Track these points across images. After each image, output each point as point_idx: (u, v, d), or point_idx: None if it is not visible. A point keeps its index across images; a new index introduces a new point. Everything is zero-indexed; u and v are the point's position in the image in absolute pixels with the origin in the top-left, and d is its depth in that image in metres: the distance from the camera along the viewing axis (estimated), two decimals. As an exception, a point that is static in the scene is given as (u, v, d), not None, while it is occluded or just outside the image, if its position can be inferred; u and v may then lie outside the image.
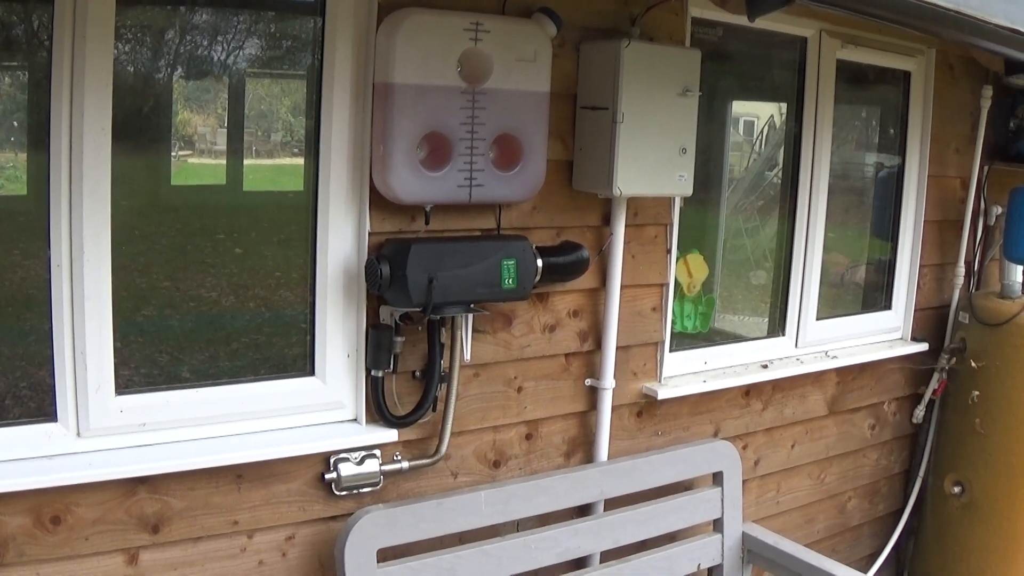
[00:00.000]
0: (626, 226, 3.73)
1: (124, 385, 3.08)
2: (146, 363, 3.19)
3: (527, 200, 3.47)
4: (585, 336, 3.78)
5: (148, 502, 3.06)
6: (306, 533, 3.34)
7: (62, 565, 2.93)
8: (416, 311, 3.22)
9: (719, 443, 4.06)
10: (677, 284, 4.09)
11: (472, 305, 3.33)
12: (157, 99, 3.20)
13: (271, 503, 3.27)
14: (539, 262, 3.41)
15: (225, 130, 3.32)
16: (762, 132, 4.83)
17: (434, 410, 3.46)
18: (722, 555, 4.04)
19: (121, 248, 3.00)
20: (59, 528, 2.91)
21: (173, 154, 3.23)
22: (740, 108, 4.87)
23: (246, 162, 3.39)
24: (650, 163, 3.49)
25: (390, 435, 3.36)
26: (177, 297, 3.28)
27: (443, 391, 3.43)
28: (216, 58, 3.25)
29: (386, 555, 3.32)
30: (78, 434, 2.99)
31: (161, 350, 3.24)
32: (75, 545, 2.94)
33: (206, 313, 3.34)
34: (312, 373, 3.35)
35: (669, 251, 3.93)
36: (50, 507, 2.89)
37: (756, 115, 4.89)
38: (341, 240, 3.28)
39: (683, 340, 4.19)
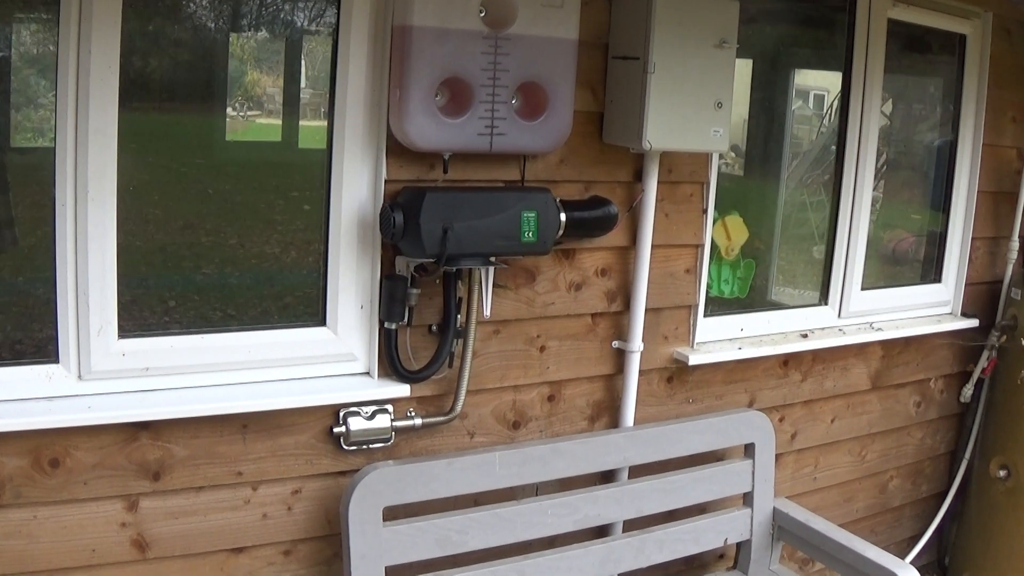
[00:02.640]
0: (659, 183, 3.56)
1: (131, 330, 3.02)
2: (154, 308, 3.12)
3: (552, 151, 3.32)
4: (613, 296, 3.64)
5: (150, 448, 2.99)
6: (313, 488, 3.26)
7: (60, 509, 2.87)
8: (431, 262, 3.09)
9: (752, 413, 3.90)
10: (715, 247, 3.93)
11: (492, 259, 3.21)
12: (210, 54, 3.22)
13: (277, 455, 3.19)
14: (562, 216, 3.27)
15: (281, 88, 3.33)
16: (831, 106, 4.63)
17: (450, 366, 3.34)
18: (751, 530, 3.88)
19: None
20: (58, 471, 2.85)
21: (238, 113, 3.27)
22: (810, 81, 4.72)
23: (303, 122, 3.41)
24: (683, 116, 3.32)
25: (402, 390, 3.25)
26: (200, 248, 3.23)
27: (459, 347, 3.31)
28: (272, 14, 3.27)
29: (395, 513, 3.22)
30: (79, 376, 2.92)
31: (169, 296, 3.17)
32: (73, 489, 2.88)
33: (219, 261, 3.27)
34: (323, 323, 3.24)
35: (705, 211, 3.76)
36: (49, 449, 2.83)
37: (826, 89, 4.69)
38: (356, 187, 3.16)
39: (719, 305, 4.03)
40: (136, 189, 2.97)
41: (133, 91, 2.89)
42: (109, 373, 2.97)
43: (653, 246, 3.61)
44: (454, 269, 3.19)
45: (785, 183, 4.43)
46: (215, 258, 3.30)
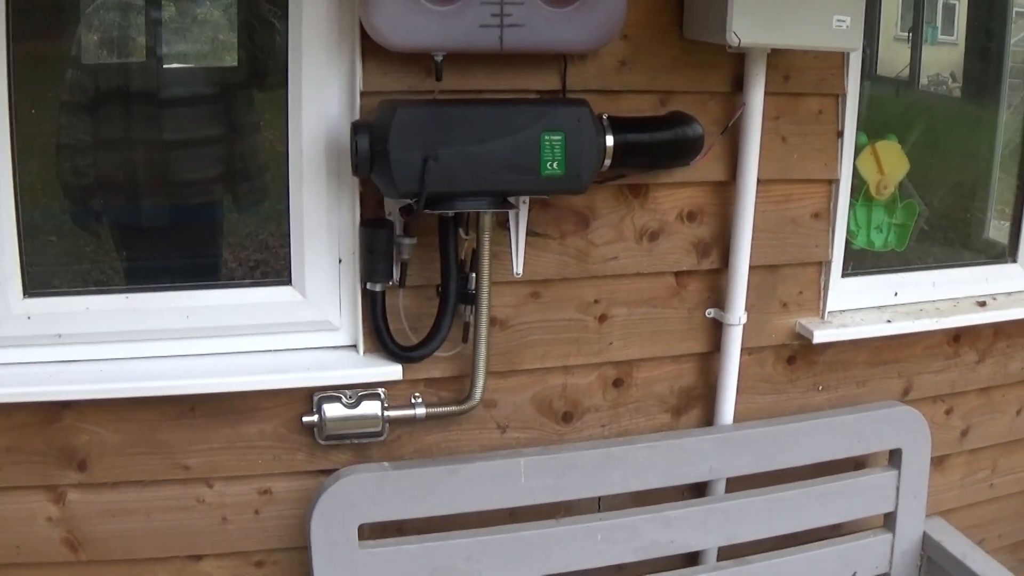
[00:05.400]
0: (770, 95, 2.54)
1: (38, 287, 2.41)
2: (67, 259, 2.47)
3: (595, 49, 2.38)
4: (705, 248, 2.68)
5: (73, 432, 2.43)
6: (286, 489, 2.55)
7: (-28, 496, 2.36)
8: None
9: (900, 409, 2.84)
10: (861, 182, 2.88)
11: (507, 199, 2.33)
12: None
13: (236, 447, 2.51)
14: (608, 139, 2.34)
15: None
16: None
17: (465, 341, 2.52)
18: (890, 562, 2.86)
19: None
20: (-38, 454, 2.31)
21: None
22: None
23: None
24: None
25: (393, 371, 2.46)
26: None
27: (472, 315, 2.48)
28: None
29: (380, 531, 2.47)
30: (-22, 343, 2.33)
31: (86, 243, 2.50)
32: (-16, 475, 2.35)
33: (152, 197, 2.56)
34: (288, 281, 2.48)
35: (841, 134, 2.69)
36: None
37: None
38: (322, 102, 2.35)
39: (864, 260, 2.97)
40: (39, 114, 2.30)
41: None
42: (14, 340, 2.39)
43: (763, 181, 2.61)
44: (451, 214, 2.35)
45: (1004, 108, 3.29)
46: (147, 195, 2.58)
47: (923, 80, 3.42)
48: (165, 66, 2.63)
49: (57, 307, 2.38)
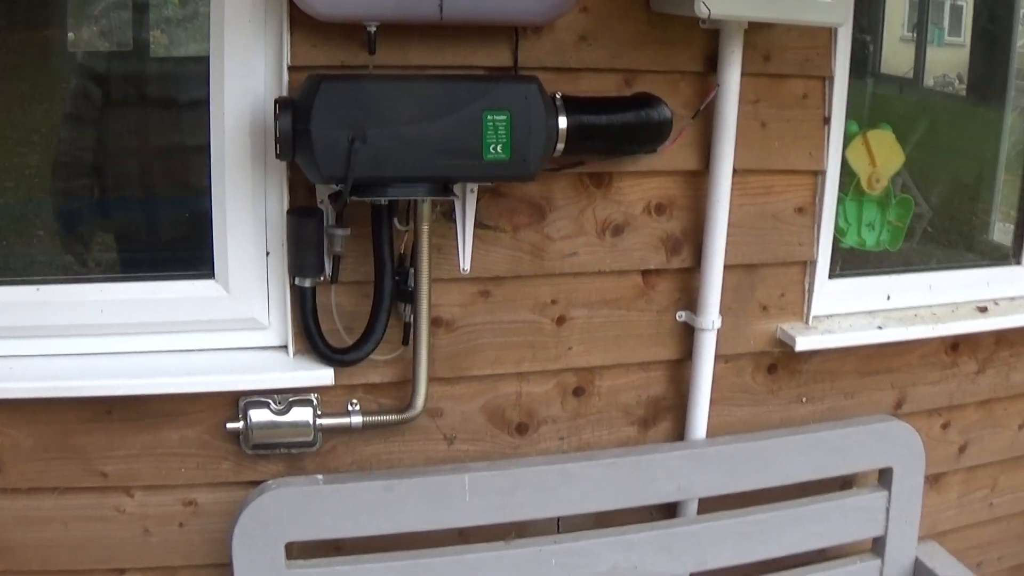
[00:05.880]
0: (748, 75, 2.30)
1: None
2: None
3: (547, 20, 2.13)
4: (676, 245, 2.43)
5: None
6: (212, 500, 2.34)
7: None
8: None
9: (892, 424, 2.58)
10: (851, 175, 2.63)
11: (448, 186, 2.11)
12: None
13: (156, 454, 2.30)
14: (561, 120, 2.11)
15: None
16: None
17: (405, 343, 2.29)
18: (879, 592, 2.62)
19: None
20: None
21: None
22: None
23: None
24: (764, -37, 2.06)
25: (324, 375, 2.23)
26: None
27: (412, 315, 2.25)
28: None
29: (313, 550, 2.25)
30: None
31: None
32: None
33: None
34: (211, 275, 2.26)
35: (828, 120, 2.44)
36: None
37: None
38: (247, 78, 2.12)
39: (854, 260, 2.72)
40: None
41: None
42: (-87, 332, 2.17)
43: (740, 171, 2.37)
44: (383, 202, 2.12)
45: (1009, 109, 3.08)
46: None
47: (929, 81, 3.20)
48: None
49: (-43, 299, 2.19)
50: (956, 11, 3.22)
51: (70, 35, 2.36)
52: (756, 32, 2.29)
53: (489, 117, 2.01)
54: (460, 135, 2.00)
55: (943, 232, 3.02)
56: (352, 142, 1.95)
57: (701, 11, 2.03)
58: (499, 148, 2.02)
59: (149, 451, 2.29)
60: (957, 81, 3.27)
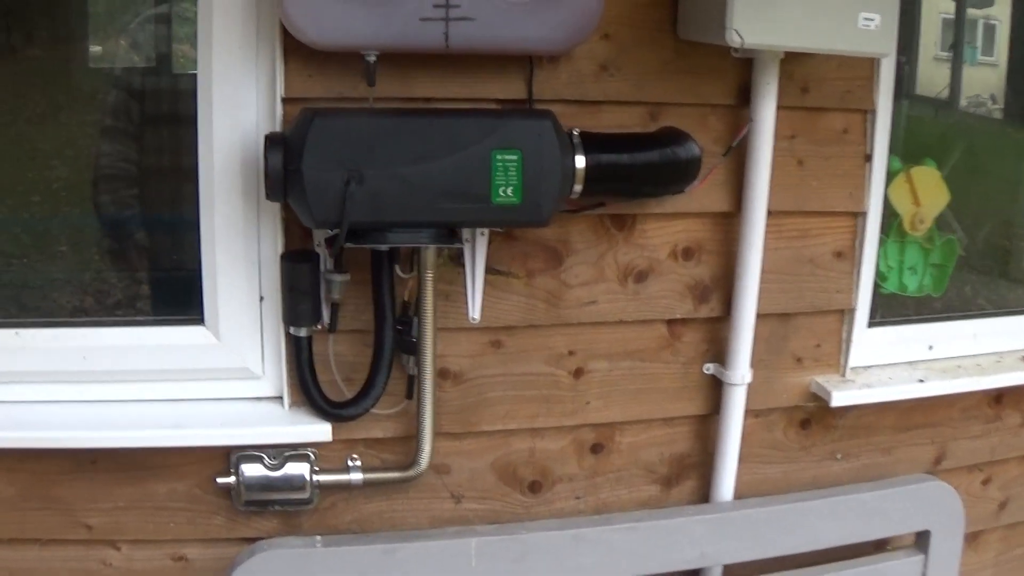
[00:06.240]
0: (785, 109, 2.12)
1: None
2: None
3: (564, 48, 1.95)
4: (704, 293, 2.25)
5: None
6: (203, 556, 2.20)
7: None
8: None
9: (930, 484, 2.38)
10: (893, 215, 2.44)
11: (454, 232, 1.94)
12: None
13: (144, 507, 2.16)
14: (578, 160, 1.94)
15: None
16: None
17: (409, 397, 2.13)
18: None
19: None
20: None
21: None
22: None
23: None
24: (800, -10, 1.88)
25: (322, 431, 2.07)
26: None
27: (416, 368, 2.08)
28: None
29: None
30: None
31: None
32: None
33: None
34: (200, 321, 2.11)
35: (870, 157, 2.25)
36: None
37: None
38: (238, 110, 1.97)
39: (893, 306, 2.52)
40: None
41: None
42: None
43: (775, 213, 2.18)
44: (385, 248, 1.96)
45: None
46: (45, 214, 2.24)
47: (963, 101, 3.00)
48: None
49: (-66, 340, 2.05)
50: (990, 30, 3.05)
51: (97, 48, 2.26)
52: (793, 62, 2.10)
53: (498, 157, 1.84)
54: (466, 177, 1.84)
55: (980, 263, 2.82)
56: (348, 184, 1.79)
57: (733, 40, 1.85)
58: (509, 191, 1.86)
59: (136, 504, 2.14)
60: (990, 102, 3.11)
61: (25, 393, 2.08)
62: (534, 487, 2.29)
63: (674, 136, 2.06)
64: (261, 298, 2.08)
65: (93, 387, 2.09)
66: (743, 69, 2.11)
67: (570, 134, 1.95)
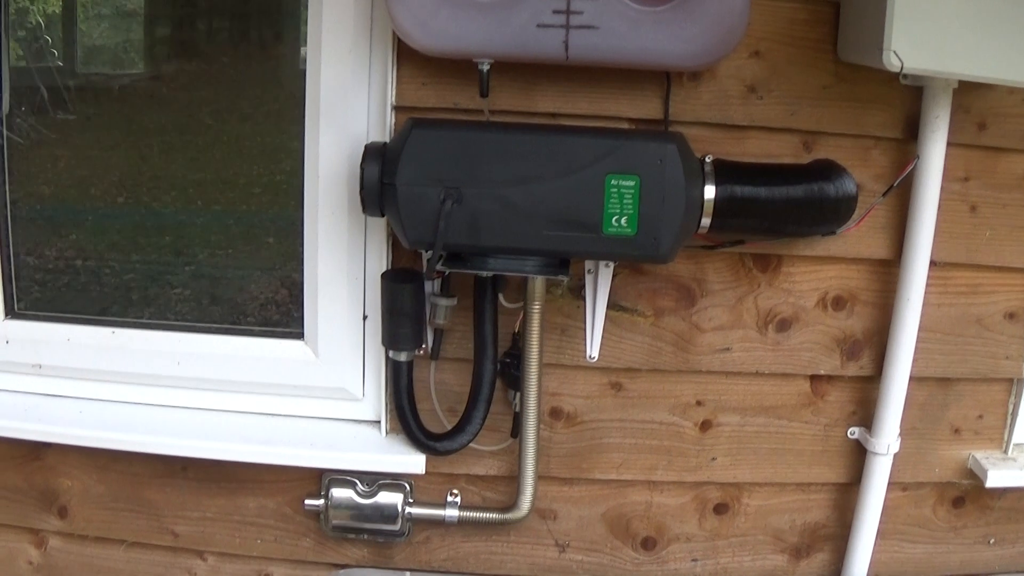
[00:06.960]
0: (957, 146, 1.84)
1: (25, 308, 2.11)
2: (57, 280, 2.12)
3: (701, 64, 1.73)
4: (855, 348, 1.99)
5: (53, 473, 2.12)
6: (292, 577, 2.10)
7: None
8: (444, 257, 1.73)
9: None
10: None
11: (562, 261, 1.77)
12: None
13: (232, 520, 2.10)
14: (708, 190, 1.73)
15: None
16: None
17: (514, 436, 1.96)
18: None
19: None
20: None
21: None
22: None
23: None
24: (978, 10, 1.60)
25: (415, 462, 1.94)
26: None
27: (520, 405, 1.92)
28: None
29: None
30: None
31: (81, 266, 2.13)
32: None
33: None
34: (300, 336, 2.01)
35: (1057, 208, 1.95)
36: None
37: None
38: (346, 119, 1.86)
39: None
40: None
41: None
42: (-8, 363, 2.04)
43: (940, 264, 1.91)
44: (486, 274, 1.80)
45: None
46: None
47: None
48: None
49: (37, 333, 2.04)
50: None
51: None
52: (969, 93, 1.82)
53: (613, 182, 1.66)
54: (576, 202, 1.66)
55: None
56: (443, 201, 1.65)
57: (892, 63, 1.59)
58: (624, 221, 1.67)
59: (225, 516, 2.09)
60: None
61: (120, 392, 2.05)
62: (647, 544, 2.09)
63: (825, 170, 1.82)
64: (365, 317, 1.96)
65: (185, 393, 2.04)
66: (912, 98, 1.84)
67: (702, 161, 1.74)
